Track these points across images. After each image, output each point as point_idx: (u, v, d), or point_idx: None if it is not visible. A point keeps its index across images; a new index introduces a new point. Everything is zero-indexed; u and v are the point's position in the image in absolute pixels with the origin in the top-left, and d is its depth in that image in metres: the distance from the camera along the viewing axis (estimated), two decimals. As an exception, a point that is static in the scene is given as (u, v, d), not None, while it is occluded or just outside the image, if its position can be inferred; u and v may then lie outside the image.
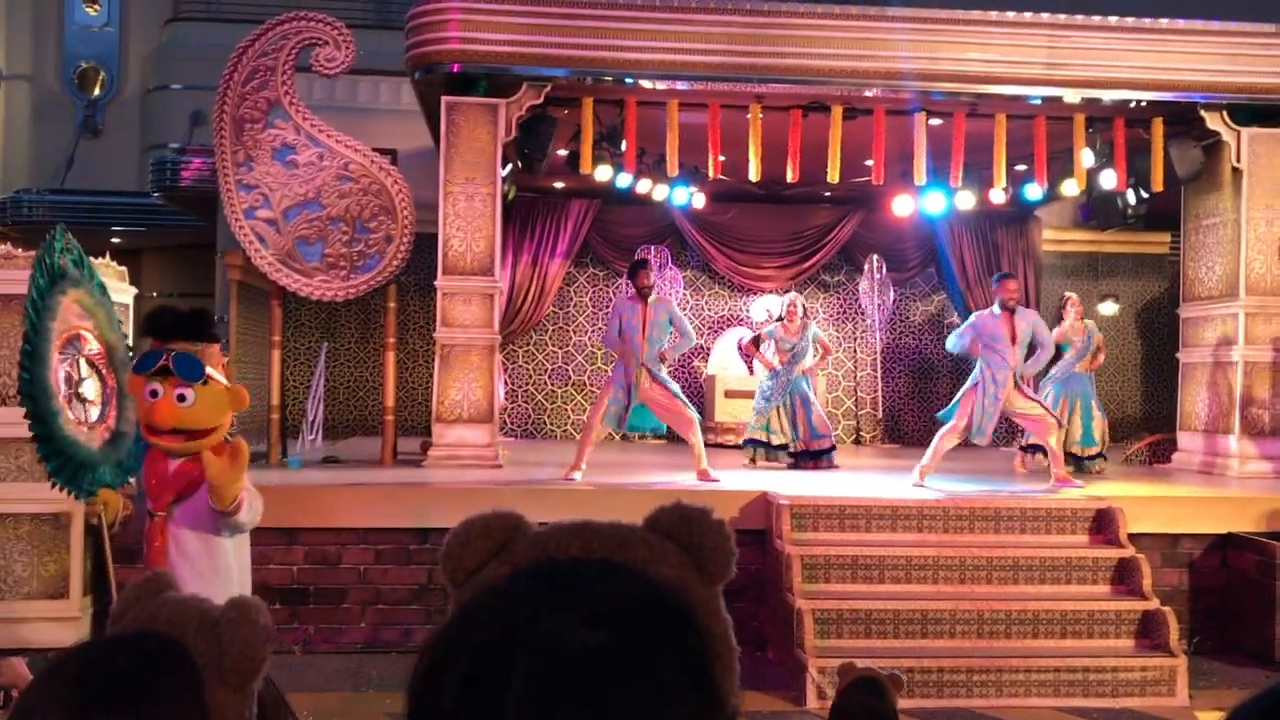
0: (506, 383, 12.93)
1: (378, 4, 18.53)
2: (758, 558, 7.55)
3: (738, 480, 8.48)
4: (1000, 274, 8.81)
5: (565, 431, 13.31)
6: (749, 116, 9.29)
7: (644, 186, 11.09)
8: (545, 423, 13.39)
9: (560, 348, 13.51)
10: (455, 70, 8.90)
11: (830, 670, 6.06)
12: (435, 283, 8.97)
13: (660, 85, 9.15)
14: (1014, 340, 8.19)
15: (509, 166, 9.91)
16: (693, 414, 8.33)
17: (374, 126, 12.46)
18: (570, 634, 0.75)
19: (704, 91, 9.23)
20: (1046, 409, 8.51)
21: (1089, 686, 6.55)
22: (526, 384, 13.43)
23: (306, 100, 9.28)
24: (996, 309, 8.32)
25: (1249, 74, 9.21)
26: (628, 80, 9.05)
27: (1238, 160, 9.42)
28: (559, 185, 12.34)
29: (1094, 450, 9.79)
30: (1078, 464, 9.61)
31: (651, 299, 8.35)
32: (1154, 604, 6.95)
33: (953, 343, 8.66)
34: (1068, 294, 10.42)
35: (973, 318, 8.60)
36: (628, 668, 0.75)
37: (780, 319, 9.90)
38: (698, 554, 0.90)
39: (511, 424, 13.21)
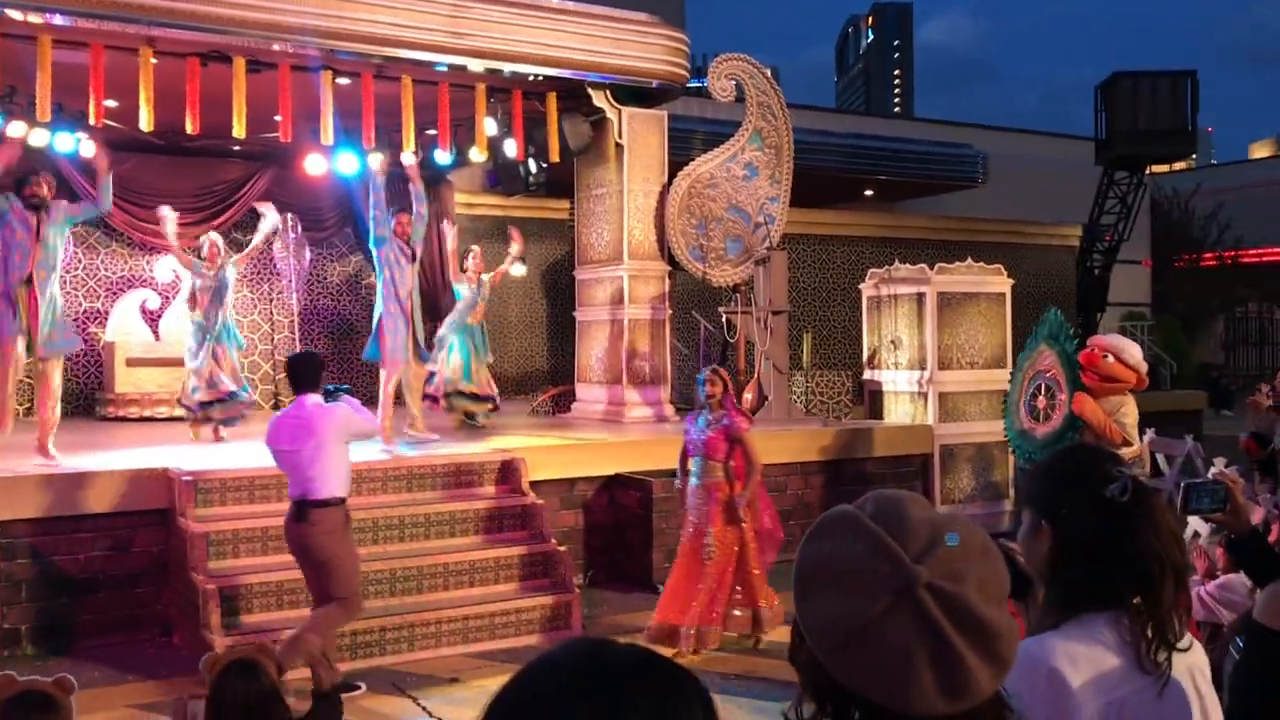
0: None
1: None
2: (160, 538, 7.06)
3: (135, 457, 7.84)
4: (396, 208, 9.11)
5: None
6: (139, 60, 8.53)
7: (17, 129, 9.75)
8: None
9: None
10: None
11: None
12: None
13: (31, 18, 8.08)
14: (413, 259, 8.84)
15: None
16: None
17: None
18: None
19: (85, 29, 8.30)
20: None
21: (496, 629, 6.96)
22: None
23: None
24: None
25: (628, 58, 10.17)
26: (-13, 8, 7.88)
27: (620, 136, 10.39)
28: (-94, 123, 10.48)
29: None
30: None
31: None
32: (553, 545, 7.53)
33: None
34: (473, 247, 10.81)
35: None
36: None
37: (202, 257, 9.23)
38: None
39: None
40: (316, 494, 5.64)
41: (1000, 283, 10.88)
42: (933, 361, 10.48)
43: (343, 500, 5.76)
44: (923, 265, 10.87)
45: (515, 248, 10.40)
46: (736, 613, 6.67)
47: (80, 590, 6.87)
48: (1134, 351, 6.76)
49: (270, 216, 9.70)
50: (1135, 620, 1.75)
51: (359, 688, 6.01)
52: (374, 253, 8.92)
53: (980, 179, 21.49)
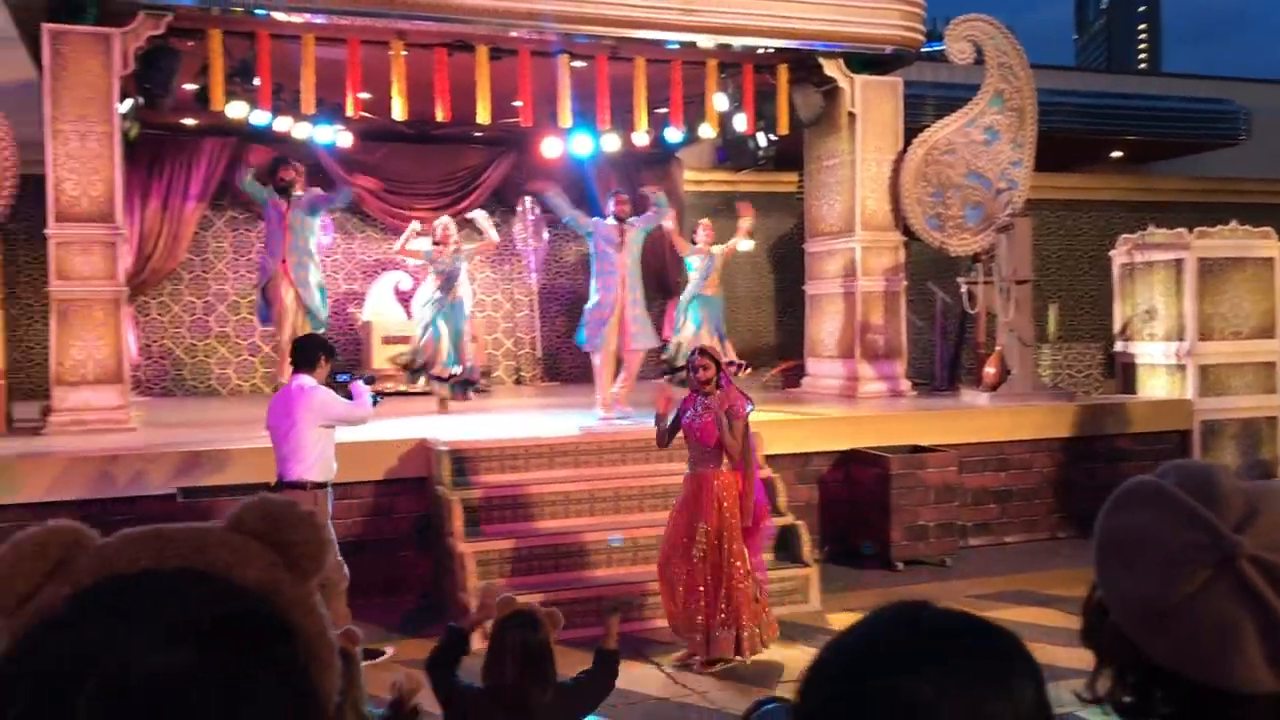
0: (139, 337, 11.98)
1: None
2: (419, 505, 7.48)
3: (395, 428, 8.31)
4: (613, 190, 9.29)
5: (209, 387, 12.54)
6: (391, 53, 9.01)
7: (283, 124, 10.50)
8: (185, 379, 12.55)
9: (199, 297, 12.66)
10: (57, -7, 8.01)
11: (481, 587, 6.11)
12: (46, 231, 8.11)
13: (295, 18, 8.67)
14: (623, 247, 8.85)
15: (129, 102, 9.06)
16: None
17: (-37, 54, 11.04)
18: (147, 656, 0.68)
19: (342, 26, 8.84)
20: None
21: (734, 600, 7.01)
22: (163, 338, 12.51)
23: None
24: (611, 220, 8.92)
25: (862, 25, 9.95)
26: (258, 11, 8.50)
27: (853, 105, 10.19)
28: (190, 122, 11.47)
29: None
30: None
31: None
32: (789, 519, 7.53)
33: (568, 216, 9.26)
34: (703, 220, 10.94)
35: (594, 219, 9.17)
36: (215, 686, 0.70)
37: (436, 242, 9.74)
38: (287, 551, 0.84)
39: (148, 382, 12.27)
40: (288, 474, 5.69)
41: (1269, 246, 10.07)
42: (1192, 332, 9.82)
43: (321, 485, 5.72)
44: (1180, 230, 10.18)
45: (746, 221, 10.46)
46: (718, 633, 5.92)
47: (347, 552, 7.35)
48: None
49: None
50: None
51: (384, 653, 6.11)
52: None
53: (1241, 136, 19.88)
